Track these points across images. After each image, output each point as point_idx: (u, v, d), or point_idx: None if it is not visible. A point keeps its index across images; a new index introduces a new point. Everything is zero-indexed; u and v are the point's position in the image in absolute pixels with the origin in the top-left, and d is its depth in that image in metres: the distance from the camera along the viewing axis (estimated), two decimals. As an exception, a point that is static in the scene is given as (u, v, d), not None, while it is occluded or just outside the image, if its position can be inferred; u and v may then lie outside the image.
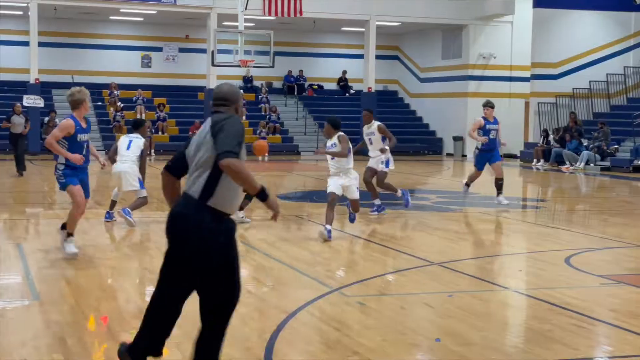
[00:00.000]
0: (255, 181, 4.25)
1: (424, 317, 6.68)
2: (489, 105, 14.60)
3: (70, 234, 8.92)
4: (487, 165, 14.64)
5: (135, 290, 7.52)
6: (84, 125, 8.83)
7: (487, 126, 14.35)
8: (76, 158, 8.64)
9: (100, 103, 31.96)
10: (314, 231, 11.61)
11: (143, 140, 11.87)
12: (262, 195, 4.32)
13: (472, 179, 14.75)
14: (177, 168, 4.61)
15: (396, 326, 6.27)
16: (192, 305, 6.72)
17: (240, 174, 4.21)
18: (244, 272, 8.69)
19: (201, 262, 4.34)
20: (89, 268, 8.54)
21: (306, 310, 6.73)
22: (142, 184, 11.73)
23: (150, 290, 7.27)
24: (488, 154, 14.45)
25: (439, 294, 7.44)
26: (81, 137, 8.74)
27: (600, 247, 10.45)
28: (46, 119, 28.66)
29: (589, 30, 31.30)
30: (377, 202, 13.12)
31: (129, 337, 5.91)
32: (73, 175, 8.85)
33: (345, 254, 10.03)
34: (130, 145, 11.71)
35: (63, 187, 8.87)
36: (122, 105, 31.02)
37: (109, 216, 12.03)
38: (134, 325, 6.21)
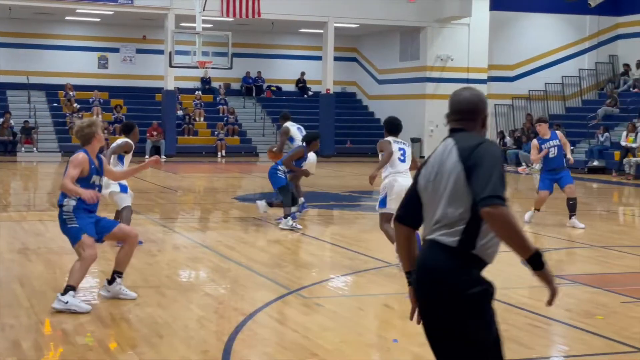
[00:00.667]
0: (527, 240, 3.10)
1: (381, 318, 6.71)
2: (540, 121, 12.59)
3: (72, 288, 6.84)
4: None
5: (90, 293, 7.44)
6: (96, 163, 7.08)
7: (542, 145, 12.42)
8: (90, 195, 6.75)
9: (55, 104, 31.55)
10: (272, 233, 11.60)
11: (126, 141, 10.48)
12: (537, 261, 3.12)
13: (538, 203, 12.79)
14: (412, 216, 3.48)
15: (354, 327, 6.29)
16: (150, 309, 6.64)
17: (508, 229, 3.06)
18: (202, 274, 8.65)
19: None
20: (44, 270, 8.43)
21: (264, 312, 6.72)
22: (124, 188, 10.12)
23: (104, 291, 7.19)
24: (553, 174, 12.48)
25: (396, 294, 7.47)
26: (95, 179, 7.04)
27: (556, 248, 10.59)
28: (0, 120, 28.24)
29: (544, 33, 31.76)
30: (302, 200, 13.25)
31: (83, 341, 5.85)
32: (86, 217, 6.97)
33: (303, 256, 10.04)
34: None
35: (77, 235, 6.88)
36: (78, 106, 30.66)
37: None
38: (89, 329, 6.14)
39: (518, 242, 3.09)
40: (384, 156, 8.80)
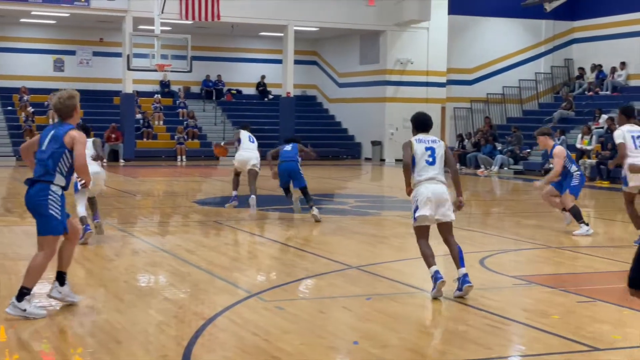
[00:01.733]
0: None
1: (342, 321, 6.73)
2: (540, 134, 12.07)
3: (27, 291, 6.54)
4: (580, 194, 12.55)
5: (46, 298, 7.34)
6: None
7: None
8: (90, 179, 6.61)
9: (10, 108, 31.19)
10: (232, 236, 11.57)
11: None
12: None
13: (566, 204, 12.09)
14: None
15: (315, 330, 6.29)
16: (108, 315, 6.58)
17: None
18: (161, 278, 8.60)
19: None
20: (-1, 277, 8.32)
21: (224, 316, 6.70)
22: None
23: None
24: (556, 185, 12.11)
25: (357, 297, 7.50)
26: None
27: (513, 249, 10.72)
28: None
29: (502, 37, 32.15)
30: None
31: (40, 347, 5.77)
32: (64, 209, 6.63)
33: (264, 259, 10.03)
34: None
35: (57, 227, 6.53)
36: (32, 110, 30.29)
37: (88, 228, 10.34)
38: (45, 335, 6.06)
39: None
40: (403, 162, 7.63)
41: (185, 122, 31.79)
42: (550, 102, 31.87)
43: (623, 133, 10.80)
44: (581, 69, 31.64)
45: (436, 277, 7.40)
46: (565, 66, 32.61)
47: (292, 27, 30.37)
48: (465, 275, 7.47)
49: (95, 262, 9.37)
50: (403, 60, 31.55)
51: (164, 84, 34.11)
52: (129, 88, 28.99)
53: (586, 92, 30.40)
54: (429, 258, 7.51)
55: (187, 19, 28.38)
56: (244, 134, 14.70)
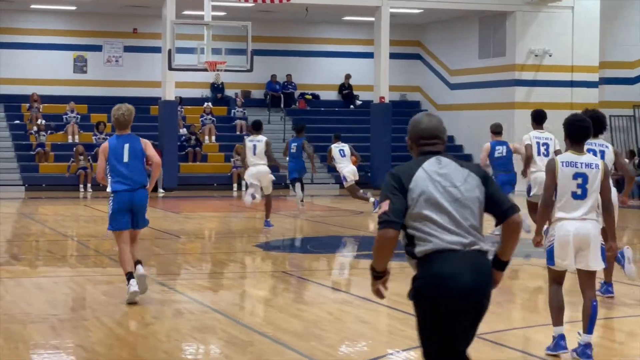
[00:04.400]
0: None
1: None
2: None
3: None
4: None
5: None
6: None
7: None
8: None
9: (17, 122, 31.90)
10: (309, 292, 11.62)
11: None
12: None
13: None
14: None
15: None
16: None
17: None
18: (213, 348, 8.70)
19: None
20: (3, 345, 8.54)
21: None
22: None
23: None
24: None
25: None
26: None
27: None
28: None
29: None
30: None
31: None
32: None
33: (350, 323, 10.02)
34: None
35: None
36: (44, 123, 30.79)
37: None
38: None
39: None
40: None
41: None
42: None
43: None
44: None
45: (558, 344, 7.92)
46: None
47: (387, 8, 30.45)
48: (587, 346, 7.68)
49: (127, 326, 9.54)
50: (538, 51, 31.29)
51: (217, 88, 34.56)
52: (170, 94, 29.47)
53: None
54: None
55: (246, 1, 28.82)
56: (336, 149, 17.43)
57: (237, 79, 32.60)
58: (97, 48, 33.89)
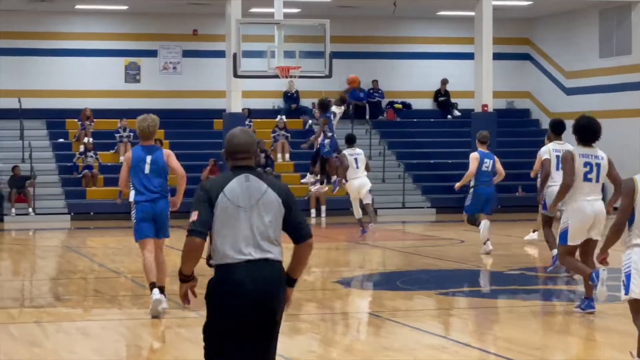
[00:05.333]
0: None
1: None
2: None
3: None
4: None
5: None
6: None
7: None
8: None
9: (62, 141, 32.28)
10: (398, 334, 11.57)
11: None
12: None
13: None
14: None
15: None
16: None
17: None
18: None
19: None
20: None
21: None
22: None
23: None
24: None
25: None
26: None
27: None
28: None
29: None
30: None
31: None
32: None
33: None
34: None
35: None
36: (92, 141, 31.06)
37: None
38: None
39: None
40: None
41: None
42: None
43: None
44: None
45: None
46: None
47: (489, 1, 30.31)
48: None
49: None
50: (671, 48, 30.94)
51: (290, 97, 34.65)
52: (236, 105, 29.63)
53: None
54: None
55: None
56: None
57: (314, 86, 32.54)
58: (152, 53, 34.26)
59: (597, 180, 12.15)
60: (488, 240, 18.99)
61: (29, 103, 32.18)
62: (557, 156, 14.76)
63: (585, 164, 12.05)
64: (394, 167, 32.87)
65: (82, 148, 30.84)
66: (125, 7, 32.64)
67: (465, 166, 30.07)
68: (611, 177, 12.47)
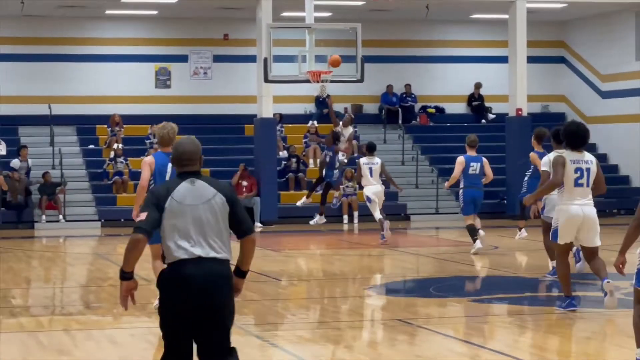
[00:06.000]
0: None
1: None
2: None
3: None
4: None
5: None
6: None
7: None
8: None
9: (92, 146, 32.38)
10: (430, 343, 11.51)
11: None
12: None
13: None
14: None
15: None
16: None
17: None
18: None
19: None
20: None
21: None
22: None
23: None
24: None
25: None
26: None
27: None
28: (5, 172, 28.99)
29: None
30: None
31: None
32: None
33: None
34: None
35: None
36: (122, 147, 31.03)
37: None
38: None
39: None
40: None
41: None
42: None
43: None
44: None
45: None
46: None
47: (523, 3, 30.23)
48: None
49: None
50: None
51: (322, 102, 34.63)
52: (267, 110, 29.64)
53: None
54: None
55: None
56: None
57: (346, 91, 32.58)
58: (183, 58, 34.27)
59: (588, 185, 12.86)
60: (478, 240, 20.21)
61: (59, 109, 32.20)
62: None
63: (576, 170, 12.77)
64: (427, 172, 32.78)
65: (112, 154, 30.85)
66: (155, 12, 32.74)
67: (499, 172, 30.22)
68: (596, 178, 12.97)
